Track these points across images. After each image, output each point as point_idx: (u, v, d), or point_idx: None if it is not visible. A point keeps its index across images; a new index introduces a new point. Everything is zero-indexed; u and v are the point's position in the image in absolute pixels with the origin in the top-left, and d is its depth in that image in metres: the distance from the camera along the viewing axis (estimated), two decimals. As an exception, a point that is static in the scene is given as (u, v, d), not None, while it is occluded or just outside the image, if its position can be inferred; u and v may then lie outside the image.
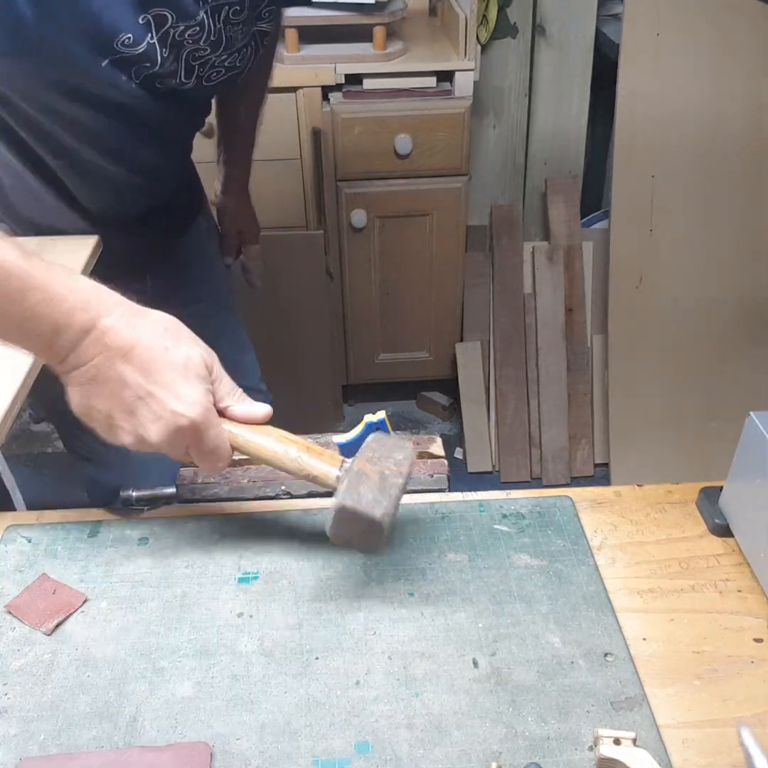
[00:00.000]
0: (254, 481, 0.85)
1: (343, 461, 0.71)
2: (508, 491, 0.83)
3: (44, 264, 0.64)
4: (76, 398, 0.67)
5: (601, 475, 2.24)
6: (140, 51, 0.87)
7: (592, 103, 2.19)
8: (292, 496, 0.83)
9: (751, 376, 2.08)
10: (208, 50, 0.94)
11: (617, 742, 0.58)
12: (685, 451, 2.12)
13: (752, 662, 0.66)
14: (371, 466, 0.69)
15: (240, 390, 0.72)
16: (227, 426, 0.69)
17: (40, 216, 1.13)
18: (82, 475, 1.36)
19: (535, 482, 2.24)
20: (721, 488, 0.79)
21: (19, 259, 0.62)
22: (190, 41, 0.91)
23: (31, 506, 1.43)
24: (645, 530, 0.78)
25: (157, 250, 1.24)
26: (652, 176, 1.95)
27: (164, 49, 0.89)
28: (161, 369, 0.65)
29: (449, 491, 0.84)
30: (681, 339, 2.08)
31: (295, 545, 0.77)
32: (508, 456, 2.21)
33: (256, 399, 0.72)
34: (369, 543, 0.69)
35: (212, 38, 0.92)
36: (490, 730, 0.61)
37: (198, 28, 0.89)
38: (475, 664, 0.66)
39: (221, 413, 0.70)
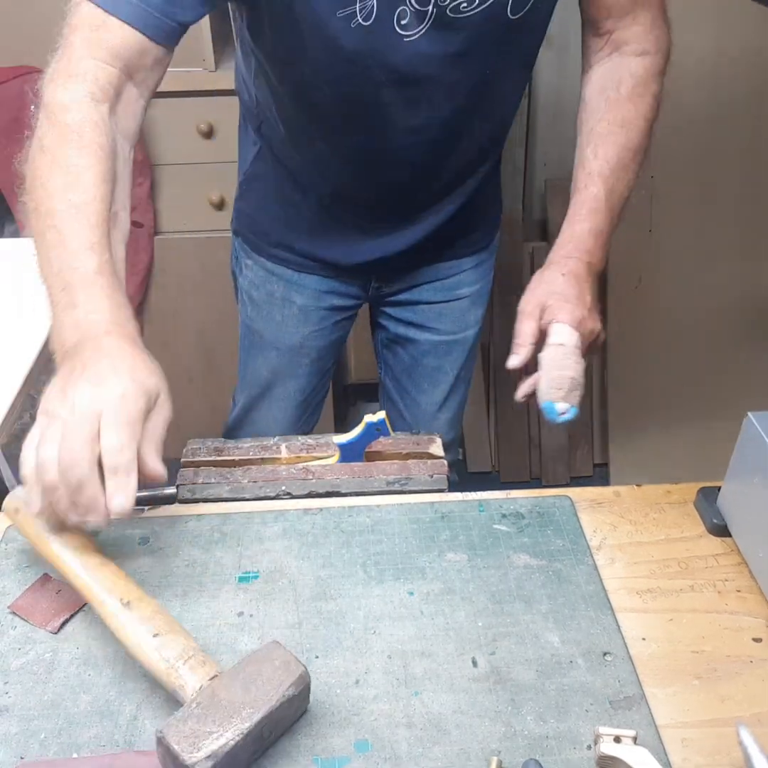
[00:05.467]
0: (254, 481, 0.85)
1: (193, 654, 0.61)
2: (507, 491, 0.83)
3: (94, 287, 0.72)
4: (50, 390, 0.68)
5: (600, 475, 2.24)
6: None
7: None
8: (292, 496, 0.83)
9: (751, 377, 2.08)
10: None
11: (617, 740, 0.59)
12: (684, 451, 2.12)
13: (751, 662, 0.67)
14: (229, 690, 0.58)
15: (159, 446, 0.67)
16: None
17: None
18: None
19: (535, 482, 2.24)
20: (719, 488, 0.79)
21: (87, 272, 0.72)
22: None
23: (31, 506, 1.43)
24: (644, 530, 0.79)
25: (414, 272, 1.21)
26: (652, 176, 1.95)
27: None
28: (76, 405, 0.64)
29: (449, 491, 0.84)
30: (680, 339, 2.08)
31: (295, 545, 0.77)
32: (508, 456, 2.21)
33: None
34: None
35: None
36: (490, 729, 0.62)
37: None
38: (475, 663, 0.66)
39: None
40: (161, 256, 1.99)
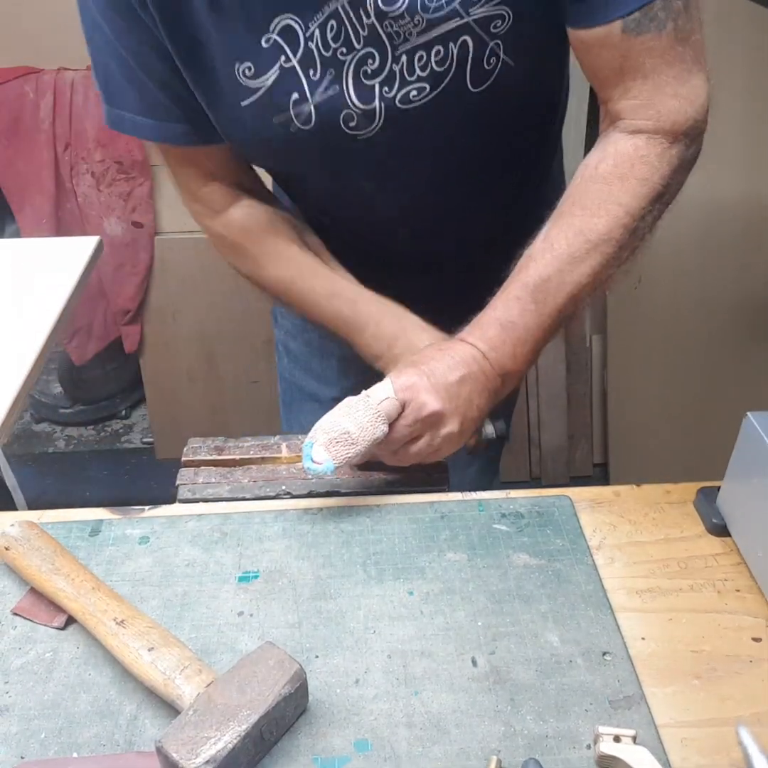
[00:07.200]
0: (254, 481, 0.85)
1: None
2: (507, 491, 0.83)
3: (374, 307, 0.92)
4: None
5: (599, 475, 2.25)
6: (270, 82, 0.77)
7: (592, 103, 2.19)
8: (293, 496, 0.83)
9: (750, 376, 2.08)
10: (376, 58, 0.75)
11: (617, 739, 0.59)
12: (684, 451, 2.12)
13: (751, 661, 0.67)
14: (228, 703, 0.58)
15: None
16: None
17: None
18: (85, 475, 1.37)
19: (535, 482, 2.24)
20: (718, 488, 0.79)
21: (353, 307, 0.92)
22: (340, 47, 0.74)
23: (32, 506, 1.44)
24: (643, 530, 0.79)
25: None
26: (652, 176, 1.95)
27: (312, 71, 0.76)
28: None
29: (449, 491, 0.84)
30: (680, 339, 2.08)
31: (295, 544, 0.77)
32: (507, 456, 2.21)
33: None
34: None
35: (363, 33, 0.73)
36: (489, 729, 0.62)
37: (338, 24, 0.73)
38: (474, 662, 0.67)
39: None
40: (161, 256, 1.99)
